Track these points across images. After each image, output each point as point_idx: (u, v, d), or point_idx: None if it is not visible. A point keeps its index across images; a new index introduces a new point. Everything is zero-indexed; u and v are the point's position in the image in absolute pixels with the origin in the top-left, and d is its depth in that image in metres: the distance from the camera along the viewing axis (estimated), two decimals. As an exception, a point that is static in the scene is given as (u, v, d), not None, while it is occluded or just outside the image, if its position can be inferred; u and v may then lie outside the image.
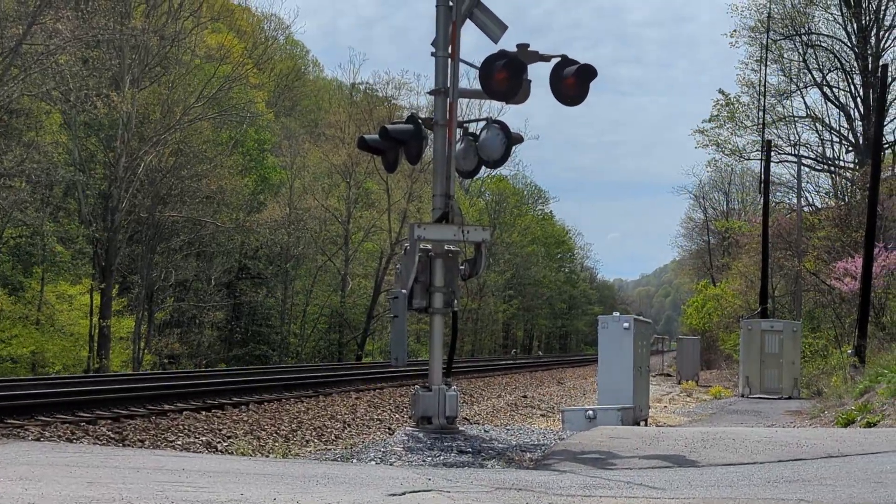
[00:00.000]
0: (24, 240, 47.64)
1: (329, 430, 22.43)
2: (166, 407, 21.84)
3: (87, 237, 48.35)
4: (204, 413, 21.87)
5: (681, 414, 31.13)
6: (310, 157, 74.48)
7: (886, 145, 54.44)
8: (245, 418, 22.01)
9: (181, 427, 19.63)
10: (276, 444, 19.21)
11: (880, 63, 51.69)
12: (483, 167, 15.07)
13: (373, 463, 11.80)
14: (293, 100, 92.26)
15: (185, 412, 21.42)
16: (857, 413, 20.13)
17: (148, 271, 52.77)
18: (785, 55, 59.97)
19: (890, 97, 53.25)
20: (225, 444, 18.63)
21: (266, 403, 25.03)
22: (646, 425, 25.02)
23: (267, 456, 16.96)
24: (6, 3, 39.27)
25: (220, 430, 20.07)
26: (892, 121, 56.09)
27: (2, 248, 45.96)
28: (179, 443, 18.15)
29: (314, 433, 21.64)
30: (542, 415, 31.34)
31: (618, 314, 25.94)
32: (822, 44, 59.24)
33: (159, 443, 17.93)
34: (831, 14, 59.29)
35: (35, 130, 45.11)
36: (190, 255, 59.85)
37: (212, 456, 15.69)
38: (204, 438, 18.84)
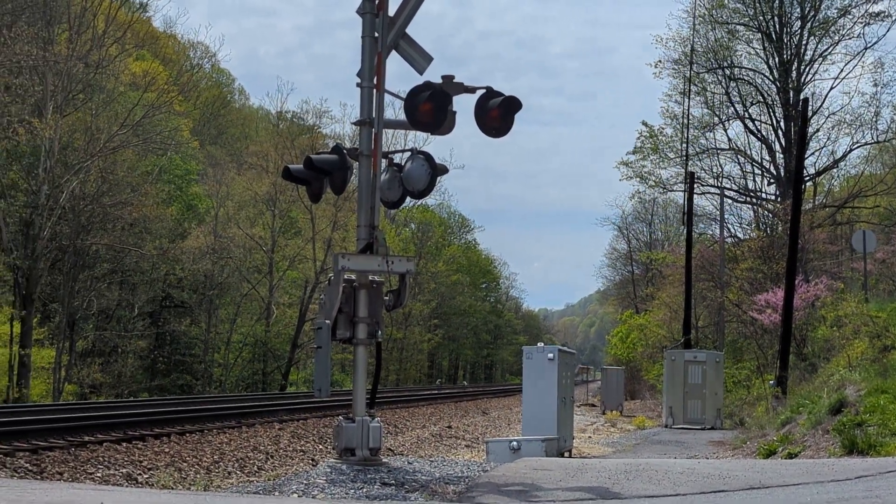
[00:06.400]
0: (-59, 267, 46.91)
1: (252, 461, 22.24)
2: (86, 438, 21.49)
3: (7, 265, 47.56)
4: (125, 444, 21.58)
5: (605, 444, 31.23)
6: (234, 185, 74.18)
7: (807, 178, 55.27)
8: (166, 449, 21.75)
9: (101, 459, 19.36)
10: (198, 475, 19.00)
11: (801, 97, 52.55)
12: (408, 197, 14.99)
13: (295, 496, 11.66)
14: (219, 128, 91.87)
15: (105, 443, 21.11)
16: (779, 444, 20.27)
17: (69, 300, 52.08)
18: (708, 88, 60.62)
19: (810, 130, 54.07)
20: (146, 475, 18.39)
21: (188, 434, 24.76)
22: (570, 456, 25.07)
23: (188, 488, 16.75)
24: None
25: (140, 461, 19.82)
26: (812, 154, 56.96)
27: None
28: (99, 475, 17.89)
29: (236, 465, 21.44)
30: (466, 446, 31.28)
31: (542, 344, 25.94)
32: (745, 77, 59.96)
33: (78, 475, 17.65)
34: (753, 48, 60.10)
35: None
36: (113, 284, 59.23)
37: (131, 489, 15.46)
38: (124, 470, 18.59)
